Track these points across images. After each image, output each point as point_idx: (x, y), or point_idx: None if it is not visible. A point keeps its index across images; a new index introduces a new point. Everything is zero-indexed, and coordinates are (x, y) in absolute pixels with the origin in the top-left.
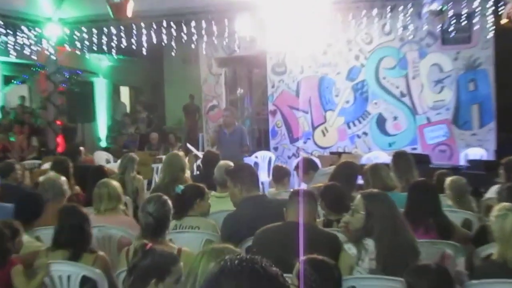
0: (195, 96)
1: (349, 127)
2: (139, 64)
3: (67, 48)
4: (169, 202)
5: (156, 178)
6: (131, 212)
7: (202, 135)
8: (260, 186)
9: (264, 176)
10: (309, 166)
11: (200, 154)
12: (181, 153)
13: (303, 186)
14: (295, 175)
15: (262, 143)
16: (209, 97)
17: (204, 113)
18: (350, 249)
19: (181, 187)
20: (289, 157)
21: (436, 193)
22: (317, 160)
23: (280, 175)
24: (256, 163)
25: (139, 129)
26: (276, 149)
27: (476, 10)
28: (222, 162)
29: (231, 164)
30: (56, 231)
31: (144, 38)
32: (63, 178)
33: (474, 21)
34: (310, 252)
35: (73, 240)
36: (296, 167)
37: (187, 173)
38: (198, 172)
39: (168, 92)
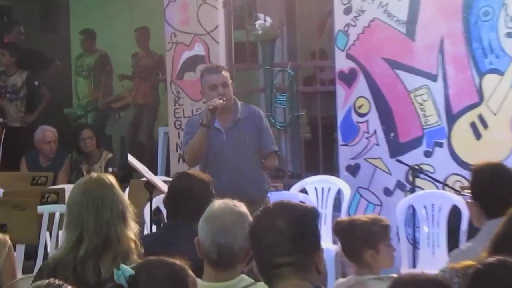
0: (152, 32)
1: None
2: None
3: None
4: None
5: (48, 244)
6: None
7: (164, 132)
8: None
9: (326, 239)
10: None
11: (160, 183)
12: (111, 179)
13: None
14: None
15: (318, 155)
16: (184, 37)
17: (171, 77)
18: None
19: (127, 270)
20: (388, 192)
21: None
22: (462, 205)
23: (365, 239)
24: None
25: (4, 116)
26: (352, 169)
27: None
28: (221, 206)
29: (242, 213)
30: None
31: None
32: None
33: None
34: None
35: None
36: None
37: (133, 229)
38: (155, 229)
39: (75, 15)
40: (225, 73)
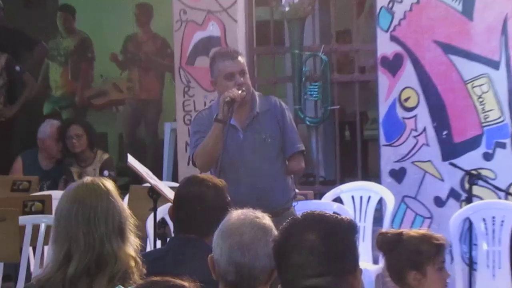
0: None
1: None
2: None
3: None
4: None
5: (32, 262)
6: None
7: (170, 129)
8: None
9: (365, 258)
10: None
11: (166, 190)
12: (107, 185)
13: None
14: None
15: (356, 157)
16: (196, 14)
17: (180, 62)
18: None
19: None
20: (439, 202)
21: None
22: None
23: (410, 258)
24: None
25: None
26: (397, 175)
27: None
28: (240, 218)
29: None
30: None
31: None
32: None
33: None
34: None
35: None
36: None
37: (133, 244)
38: (160, 244)
39: None
40: (242, 59)
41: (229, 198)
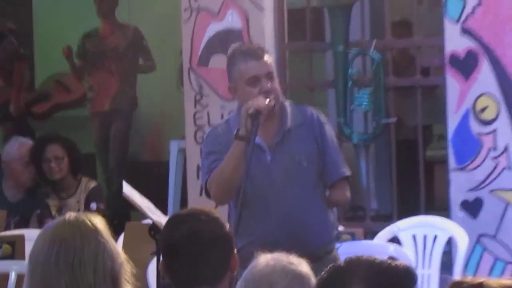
0: None
1: None
2: None
3: None
4: None
5: None
6: None
7: (178, 149)
8: None
9: None
10: None
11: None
12: (96, 222)
13: None
14: None
15: (418, 185)
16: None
17: (189, 62)
18: None
19: None
20: None
21: None
22: None
23: None
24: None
25: None
26: (471, 207)
27: None
28: (269, 265)
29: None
30: None
31: None
32: None
33: None
34: None
35: None
36: None
37: None
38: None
39: None
40: (269, 58)
41: (231, 234)
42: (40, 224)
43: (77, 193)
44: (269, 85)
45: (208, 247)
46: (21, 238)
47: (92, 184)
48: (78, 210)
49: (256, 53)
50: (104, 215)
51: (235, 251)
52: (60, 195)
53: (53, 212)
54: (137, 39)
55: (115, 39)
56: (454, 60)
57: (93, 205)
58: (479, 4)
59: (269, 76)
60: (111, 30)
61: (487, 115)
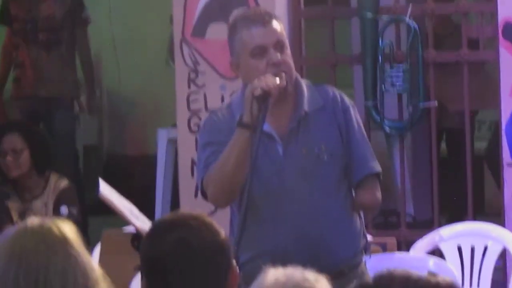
0: None
1: None
2: None
3: None
4: None
5: None
6: None
7: (167, 139)
8: None
9: None
10: None
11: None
12: (65, 230)
13: None
14: None
15: (465, 185)
16: None
17: (182, 33)
18: None
19: None
20: None
21: None
22: None
23: None
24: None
25: None
26: None
27: None
28: (280, 281)
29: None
30: None
31: None
32: None
33: None
34: None
35: None
36: None
37: None
38: None
39: None
40: (279, 25)
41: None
42: None
43: (44, 194)
44: (278, 57)
45: (200, 260)
46: None
47: (63, 183)
48: (45, 215)
49: (262, 18)
50: (76, 222)
51: (235, 263)
52: (23, 197)
53: (14, 217)
54: (78, 9)
55: (50, 7)
56: (509, 30)
57: (64, 209)
58: None
59: (279, 45)
60: None
61: None
